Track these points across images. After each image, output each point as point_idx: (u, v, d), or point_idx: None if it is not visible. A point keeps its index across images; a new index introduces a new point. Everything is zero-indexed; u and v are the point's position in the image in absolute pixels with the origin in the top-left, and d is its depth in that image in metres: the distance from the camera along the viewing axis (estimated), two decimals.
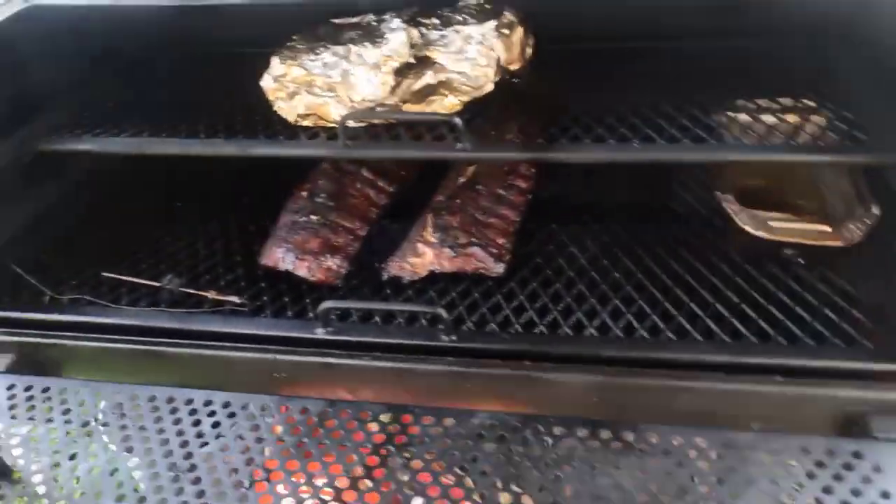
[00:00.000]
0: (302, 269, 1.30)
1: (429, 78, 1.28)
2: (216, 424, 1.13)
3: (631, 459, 1.01)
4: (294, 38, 1.39)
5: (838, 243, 1.12)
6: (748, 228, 1.15)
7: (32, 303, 1.33)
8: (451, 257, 1.28)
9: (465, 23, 1.32)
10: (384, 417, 1.12)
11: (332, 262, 1.31)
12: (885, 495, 0.90)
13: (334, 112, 1.30)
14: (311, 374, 1.22)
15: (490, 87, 1.26)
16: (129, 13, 1.46)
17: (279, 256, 1.31)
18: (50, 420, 1.16)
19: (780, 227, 1.15)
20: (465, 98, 1.28)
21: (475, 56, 1.26)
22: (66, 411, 1.20)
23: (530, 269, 1.31)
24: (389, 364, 1.16)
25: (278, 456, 1.08)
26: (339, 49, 1.32)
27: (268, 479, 1.06)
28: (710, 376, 1.05)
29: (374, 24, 1.39)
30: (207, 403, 1.16)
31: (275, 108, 1.33)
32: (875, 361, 1.02)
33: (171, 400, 1.19)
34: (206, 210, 1.59)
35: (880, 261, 1.20)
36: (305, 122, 1.33)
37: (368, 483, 1.03)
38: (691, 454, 0.99)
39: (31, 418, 1.17)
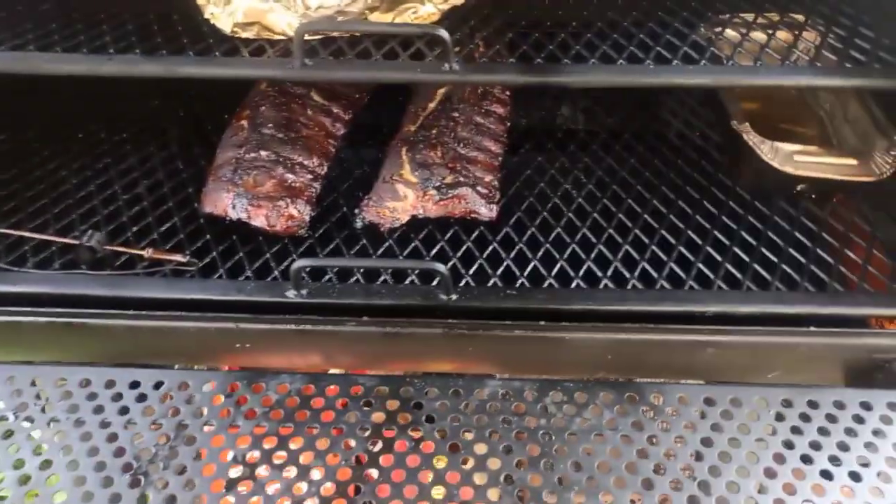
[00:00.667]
0: (258, 218, 1.07)
1: None
2: (175, 412, 0.93)
3: (652, 424, 0.92)
4: None
5: (869, 178, 1.04)
6: (773, 163, 1.04)
7: None
8: (438, 200, 1.10)
9: None
10: (380, 390, 0.96)
11: (294, 209, 1.09)
12: None
13: (282, 21, 1.05)
14: (285, 344, 1.04)
15: None
16: None
17: (227, 203, 1.08)
18: None
19: (806, 162, 1.05)
20: (445, 6, 1.07)
21: None
22: None
23: (523, 209, 1.16)
24: (378, 329, 1.00)
25: (259, 448, 0.91)
26: None
27: (252, 477, 0.88)
28: (741, 330, 0.97)
29: None
30: (158, 385, 0.96)
31: (206, 16, 1.06)
32: None
33: (110, 384, 0.97)
34: (119, 143, 1.30)
35: None
36: (246, 34, 1.06)
37: (374, 473, 0.89)
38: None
39: None
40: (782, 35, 1.09)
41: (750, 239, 1.10)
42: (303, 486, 0.87)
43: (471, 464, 0.89)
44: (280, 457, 0.90)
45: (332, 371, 1.04)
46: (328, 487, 0.88)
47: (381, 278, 1.03)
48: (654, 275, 1.04)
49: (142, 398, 0.94)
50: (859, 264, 1.03)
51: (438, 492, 0.87)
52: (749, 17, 1.14)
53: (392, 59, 1.03)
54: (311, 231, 1.11)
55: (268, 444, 0.91)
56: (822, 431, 0.88)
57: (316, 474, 0.89)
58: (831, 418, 0.89)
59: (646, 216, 1.14)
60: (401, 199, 1.10)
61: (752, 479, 0.85)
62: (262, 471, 0.88)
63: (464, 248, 1.09)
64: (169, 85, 1.34)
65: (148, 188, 1.19)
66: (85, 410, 0.93)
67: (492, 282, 1.04)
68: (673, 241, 1.10)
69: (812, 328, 0.96)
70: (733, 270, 1.04)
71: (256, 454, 0.90)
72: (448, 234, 1.11)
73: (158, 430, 0.92)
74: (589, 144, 1.31)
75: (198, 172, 1.22)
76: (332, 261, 1.04)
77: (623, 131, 1.34)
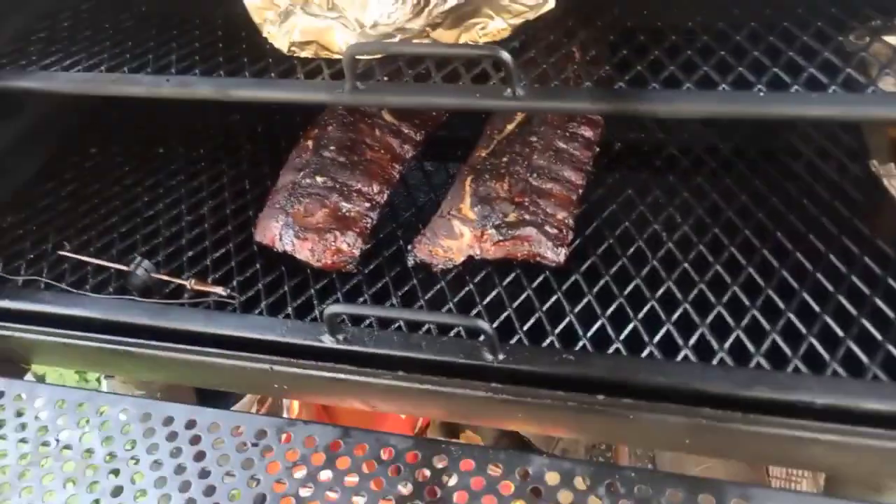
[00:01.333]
0: (303, 252, 1.01)
1: None
2: (200, 456, 0.89)
3: None
4: None
5: None
6: None
7: None
8: (497, 241, 0.97)
9: None
10: (410, 457, 0.86)
11: (344, 242, 1.01)
12: None
13: (340, 40, 0.97)
14: (319, 389, 0.97)
15: (551, 4, 0.91)
16: None
17: (275, 233, 1.02)
18: None
19: None
20: (517, 21, 0.93)
21: None
22: (21, 425, 0.98)
23: (600, 253, 1.00)
24: (415, 385, 0.90)
25: None
26: None
27: None
28: (863, 431, 0.76)
29: None
30: (190, 426, 0.92)
31: (263, 34, 1.00)
32: None
33: (146, 417, 0.95)
34: (195, 160, 1.29)
35: None
36: (303, 53, 0.99)
37: None
38: None
39: None
40: None
41: (887, 309, 0.87)
42: None
43: None
44: None
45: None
46: None
47: (425, 327, 0.93)
48: (751, 348, 0.85)
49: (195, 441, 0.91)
50: None
51: None
52: None
53: (453, 80, 0.92)
54: (362, 266, 1.03)
55: None
56: None
57: None
58: None
59: (750, 270, 0.94)
60: (456, 238, 0.98)
61: None
62: None
63: (523, 296, 0.96)
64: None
65: (212, 209, 1.17)
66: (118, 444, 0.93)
67: (548, 341, 0.90)
68: (781, 304, 0.89)
69: None
70: (857, 351, 0.83)
71: None
72: (508, 279, 0.98)
73: None
74: (693, 174, 1.11)
75: (262, 194, 1.18)
76: (365, 309, 0.94)
77: (739, 158, 1.13)
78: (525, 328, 0.91)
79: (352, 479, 0.85)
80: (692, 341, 0.86)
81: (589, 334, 0.90)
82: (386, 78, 0.92)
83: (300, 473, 0.87)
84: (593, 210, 1.06)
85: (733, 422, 0.80)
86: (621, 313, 0.92)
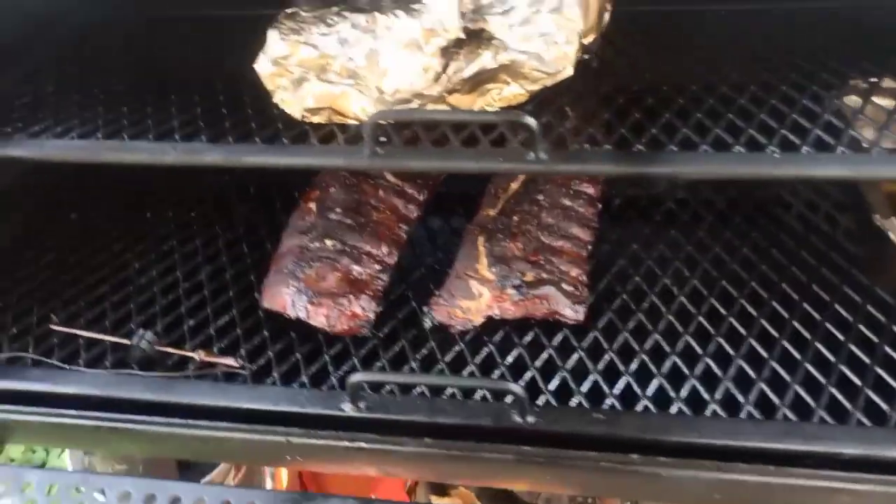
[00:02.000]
0: (319, 318, 0.98)
1: (486, 61, 0.94)
2: None
3: None
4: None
5: None
6: None
7: None
8: (517, 301, 0.97)
9: None
10: None
11: (358, 306, 0.99)
12: None
13: (355, 105, 0.97)
14: (336, 459, 0.93)
15: (569, 71, 0.93)
16: None
17: (288, 300, 0.99)
18: None
19: None
20: (534, 87, 0.95)
21: (551, 30, 0.93)
22: None
23: (615, 308, 1.01)
24: (442, 451, 0.87)
25: None
26: (361, 19, 0.97)
27: None
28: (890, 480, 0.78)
29: None
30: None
31: (275, 100, 0.99)
32: None
33: (150, 499, 0.89)
34: (186, 224, 1.25)
35: None
36: (316, 118, 0.99)
37: None
38: None
39: None
40: None
41: None
42: None
43: None
44: None
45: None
46: None
47: (448, 391, 0.91)
48: (775, 400, 0.87)
49: None
50: None
51: None
52: None
53: (472, 144, 0.93)
54: (376, 329, 1.01)
55: None
56: None
57: None
58: None
59: (762, 321, 0.97)
60: (474, 299, 0.98)
61: None
62: None
63: (544, 355, 0.95)
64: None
65: (209, 275, 1.13)
66: None
67: (575, 400, 0.89)
68: (797, 355, 0.92)
69: None
70: (877, 399, 0.86)
71: None
72: (527, 338, 0.98)
73: None
74: (693, 228, 1.15)
75: (262, 258, 1.15)
76: (390, 376, 0.92)
77: (734, 211, 1.17)
78: (551, 388, 0.91)
79: None
80: (717, 395, 0.88)
81: (615, 391, 0.90)
82: (403, 144, 0.93)
83: None
84: (602, 266, 1.07)
85: (767, 475, 0.81)
86: (644, 369, 0.92)
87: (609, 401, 0.89)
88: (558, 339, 0.97)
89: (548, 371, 0.93)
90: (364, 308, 0.99)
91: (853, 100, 0.94)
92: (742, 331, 0.96)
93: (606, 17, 1.03)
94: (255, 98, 1.05)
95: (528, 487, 1.20)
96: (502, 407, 0.87)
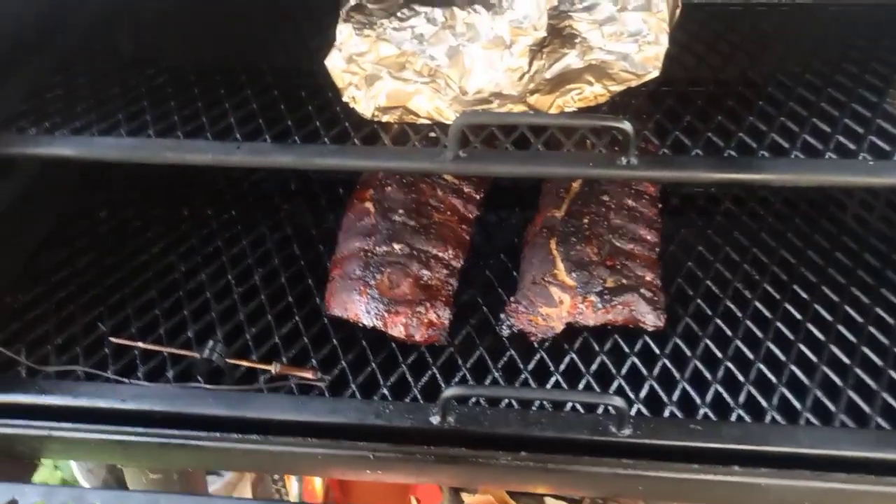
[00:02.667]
0: (397, 328, 0.95)
1: (572, 60, 0.91)
2: None
3: None
4: None
5: None
6: None
7: (1, 377, 0.93)
8: (600, 308, 0.95)
9: None
10: None
11: (434, 314, 0.96)
12: None
13: (429, 104, 0.93)
14: (424, 471, 0.91)
15: (657, 72, 0.91)
16: None
17: (360, 308, 0.95)
18: None
19: None
20: (619, 88, 0.93)
21: (640, 28, 0.90)
22: None
23: (690, 313, 1.00)
24: (538, 465, 0.85)
25: None
26: (437, 14, 0.92)
27: None
28: None
29: None
30: None
31: (345, 99, 0.94)
32: None
33: None
34: (228, 223, 1.19)
35: None
36: (386, 117, 0.95)
37: None
38: None
39: None
40: None
41: None
42: None
43: None
44: None
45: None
46: None
47: (538, 402, 0.89)
48: (865, 408, 0.87)
49: None
50: None
51: None
52: None
53: (554, 146, 0.90)
54: (449, 336, 0.98)
55: None
56: None
57: None
58: None
59: (839, 327, 0.97)
60: (556, 306, 0.96)
61: None
62: None
63: (628, 363, 0.94)
64: None
65: (263, 279, 1.08)
66: None
67: (668, 410, 0.89)
68: (879, 361, 0.93)
69: None
70: None
71: None
72: (607, 345, 0.97)
73: None
74: (755, 230, 1.13)
75: (316, 259, 1.10)
76: (491, 390, 0.90)
77: (793, 211, 1.16)
78: (641, 397, 0.90)
79: None
80: (808, 403, 0.88)
81: (707, 400, 0.89)
82: (485, 147, 0.89)
83: None
84: (670, 268, 1.06)
85: (866, 484, 0.82)
86: (731, 377, 0.92)
87: (702, 410, 0.88)
88: (639, 345, 0.96)
89: (634, 380, 0.92)
90: (440, 315, 0.96)
91: None
92: (820, 336, 0.96)
93: (678, 13, 1.00)
94: (313, 93, 1.00)
95: (623, 498, 1.19)
96: (597, 419, 0.85)
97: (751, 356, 0.94)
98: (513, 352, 0.96)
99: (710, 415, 0.88)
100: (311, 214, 1.20)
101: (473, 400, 0.89)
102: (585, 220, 1.04)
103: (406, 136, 0.92)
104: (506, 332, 0.97)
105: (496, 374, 0.94)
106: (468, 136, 0.89)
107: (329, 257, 1.07)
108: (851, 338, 0.96)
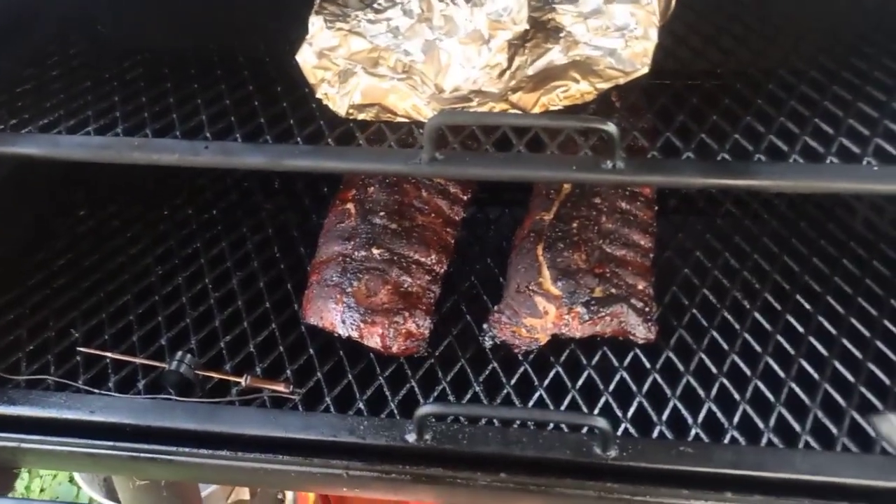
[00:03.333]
0: (373, 339, 0.90)
1: (555, 56, 0.85)
2: None
3: None
4: None
5: None
6: None
7: None
8: (586, 320, 0.90)
9: None
10: None
11: (413, 323, 0.92)
12: None
13: (406, 102, 0.88)
14: (399, 490, 0.87)
15: (645, 69, 0.85)
16: None
17: (337, 318, 0.91)
18: None
19: None
20: (606, 85, 0.87)
21: (628, 22, 0.84)
22: None
23: (684, 324, 0.95)
24: (516, 486, 0.81)
25: None
26: (414, 5, 0.88)
27: None
28: None
29: None
30: None
31: (318, 96, 0.89)
32: None
33: None
34: (209, 223, 1.15)
35: None
36: (362, 115, 0.90)
37: None
38: None
39: None
40: None
41: None
42: None
43: None
44: None
45: None
46: None
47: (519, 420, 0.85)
48: (871, 432, 0.82)
49: None
50: None
51: None
52: None
53: (536, 148, 0.85)
54: (430, 346, 0.94)
55: None
56: None
57: None
58: None
59: (844, 341, 0.91)
60: (540, 316, 0.91)
61: None
62: None
63: (616, 378, 0.89)
64: None
65: (241, 283, 1.04)
66: None
67: (657, 430, 0.84)
68: (886, 379, 0.87)
69: None
70: None
71: None
72: (595, 358, 0.92)
73: None
74: (757, 234, 1.07)
75: (296, 263, 1.07)
76: (467, 409, 0.85)
77: (798, 215, 1.09)
78: (629, 415, 0.85)
79: None
80: (808, 424, 0.83)
81: (697, 420, 0.84)
82: (463, 149, 0.84)
83: None
84: (665, 275, 1.00)
85: None
86: (726, 394, 0.87)
87: (694, 430, 0.83)
88: (629, 359, 0.91)
89: (622, 396, 0.87)
90: (419, 325, 0.92)
91: None
92: (823, 351, 0.90)
93: (673, 3, 0.94)
94: (288, 88, 0.96)
95: None
96: (581, 439, 0.80)
97: (748, 372, 0.89)
98: (495, 364, 0.91)
99: (703, 436, 0.83)
100: (294, 214, 1.16)
101: (452, 417, 0.85)
102: (575, 224, 0.99)
103: (383, 136, 0.87)
104: (488, 343, 0.92)
105: (477, 389, 0.89)
106: (447, 136, 0.84)
107: (309, 260, 1.03)
108: (857, 354, 0.90)
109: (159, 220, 1.16)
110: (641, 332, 0.90)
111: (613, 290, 0.92)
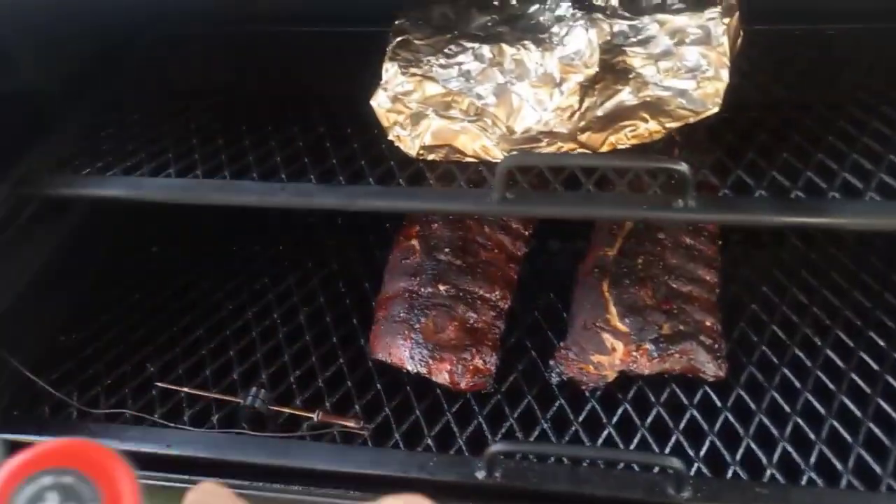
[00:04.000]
0: (441, 375, 0.92)
1: (625, 97, 0.87)
2: None
3: None
4: (402, 22, 0.97)
5: None
6: None
7: (50, 419, 0.94)
8: (655, 357, 0.90)
9: (664, 6, 0.91)
10: None
11: (480, 359, 0.93)
12: None
13: (475, 143, 0.90)
14: None
15: (716, 108, 0.86)
16: None
17: (405, 354, 0.93)
18: None
19: None
20: (675, 125, 0.87)
21: (699, 63, 0.85)
22: None
23: (754, 361, 0.94)
24: None
25: None
26: (485, 50, 0.90)
27: None
28: None
29: (515, 3, 0.97)
30: None
31: (390, 137, 0.92)
32: None
33: None
34: (275, 258, 1.19)
35: None
36: (432, 156, 0.92)
37: None
38: None
39: None
40: None
41: None
42: None
43: None
44: None
45: None
46: None
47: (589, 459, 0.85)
48: None
49: None
50: None
51: None
52: None
53: (605, 186, 0.86)
54: (496, 382, 0.94)
55: None
56: None
57: None
58: None
59: None
60: (607, 353, 0.91)
61: None
62: None
63: (687, 416, 0.89)
64: None
65: (308, 318, 1.06)
66: None
67: (731, 470, 0.83)
68: None
69: None
70: None
71: None
72: (663, 396, 0.91)
73: None
74: (825, 270, 1.06)
75: (361, 299, 1.09)
76: (538, 447, 0.85)
77: (869, 251, 1.07)
78: (702, 454, 0.84)
79: None
80: (890, 466, 0.81)
81: (774, 459, 0.83)
82: (525, 185, 0.86)
83: None
84: (732, 311, 1.00)
85: None
86: (800, 434, 0.85)
87: (769, 471, 0.82)
88: (699, 396, 0.90)
89: (693, 435, 0.86)
90: (486, 361, 0.93)
91: None
92: None
93: (739, 42, 0.95)
94: (358, 129, 0.98)
95: None
96: (654, 478, 0.80)
97: (822, 411, 0.87)
98: (562, 401, 0.92)
99: (778, 477, 0.81)
100: (358, 250, 1.18)
101: (521, 454, 0.85)
102: (639, 260, 0.99)
103: (452, 176, 0.89)
104: (555, 379, 0.92)
105: (545, 426, 0.89)
106: (516, 175, 0.86)
107: (374, 296, 1.06)
108: None
109: (229, 255, 1.19)
110: (711, 369, 0.90)
111: (681, 327, 0.92)
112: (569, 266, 1.08)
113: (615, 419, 0.89)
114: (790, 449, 0.84)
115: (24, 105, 1.00)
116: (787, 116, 0.98)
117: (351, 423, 0.88)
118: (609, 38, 0.87)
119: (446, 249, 1.03)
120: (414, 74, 0.89)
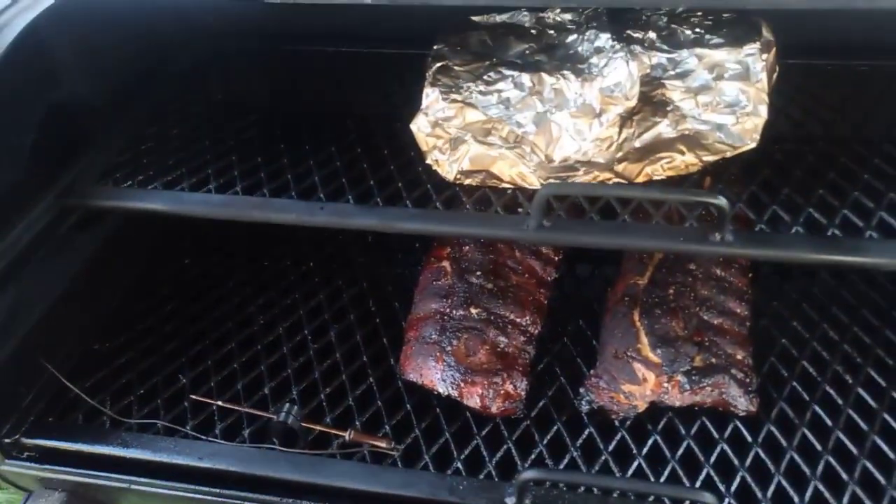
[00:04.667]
0: (472, 399, 0.92)
1: (664, 129, 0.88)
2: None
3: None
4: (440, 47, 0.98)
5: None
6: None
7: (84, 428, 0.96)
8: (686, 390, 0.90)
9: (702, 41, 0.92)
10: None
11: (510, 385, 0.93)
12: None
13: (512, 169, 0.91)
14: None
15: (753, 143, 0.87)
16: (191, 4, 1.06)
17: (437, 376, 0.94)
18: None
19: None
20: (712, 158, 0.89)
21: (739, 99, 0.86)
22: None
23: (785, 396, 0.94)
24: None
25: None
26: (525, 79, 0.91)
27: None
28: None
29: (553, 33, 0.98)
30: None
31: (428, 161, 0.93)
32: None
33: None
34: (306, 275, 1.20)
35: None
36: (468, 181, 0.93)
37: None
38: None
39: None
40: None
41: None
42: None
43: None
44: None
45: None
46: None
47: (619, 489, 0.84)
48: None
49: None
50: None
51: None
52: None
53: (642, 214, 0.87)
54: (526, 408, 0.95)
55: None
56: None
57: None
58: None
59: None
60: (639, 383, 0.91)
61: None
62: None
63: (717, 450, 0.89)
64: None
65: (339, 335, 1.07)
66: None
67: None
68: None
69: None
70: None
71: None
72: (693, 428, 0.91)
73: None
74: (854, 308, 1.05)
75: (391, 318, 1.10)
76: (569, 475, 0.85)
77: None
78: (732, 490, 0.84)
79: None
80: None
81: (803, 497, 0.83)
82: (562, 213, 0.86)
83: None
84: (762, 344, 1.00)
85: None
86: (832, 472, 0.85)
87: None
88: (729, 430, 0.90)
89: (724, 469, 0.86)
90: (516, 386, 0.93)
91: None
92: None
93: (775, 76, 0.95)
94: (395, 151, 1.00)
95: None
96: None
97: (854, 451, 0.87)
98: (592, 429, 0.92)
99: None
100: (387, 268, 1.20)
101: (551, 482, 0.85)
102: (671, 291, 1.00)
103: (487, 201, 0.90)
104: (585, 407, 0.93)
105: (574, 454, 0.90)
106: (552, 203, 0.87)
107: (403, 314, 1.07)
108: None
109: (260, 270, 1.21)
110: (742, 403, 0.90)
111: (713, 360, 0.92)
112: (597, 292, 1.09)
113: (645, 450, 0.89)
114: (822, 488, 0.83)
115: (70, 118, 1.02)
116: (821, 151, 0.98)
117: (382, 444, 0.89)
118: (648, 70, 0.88)
119: (478, 272, 1.04)
120: (455, 100, 0.90)
